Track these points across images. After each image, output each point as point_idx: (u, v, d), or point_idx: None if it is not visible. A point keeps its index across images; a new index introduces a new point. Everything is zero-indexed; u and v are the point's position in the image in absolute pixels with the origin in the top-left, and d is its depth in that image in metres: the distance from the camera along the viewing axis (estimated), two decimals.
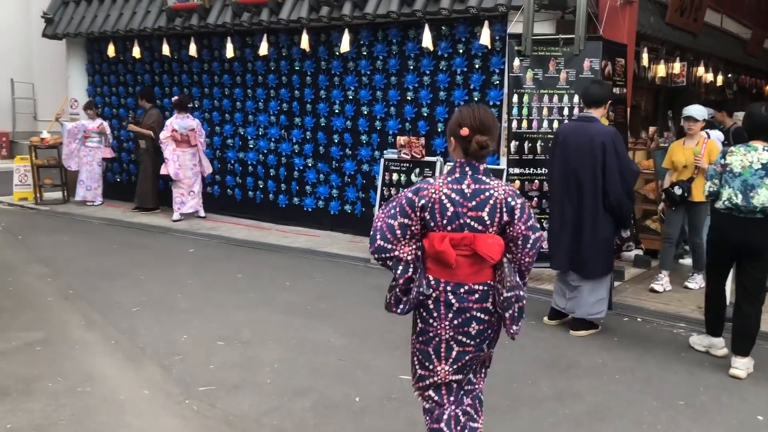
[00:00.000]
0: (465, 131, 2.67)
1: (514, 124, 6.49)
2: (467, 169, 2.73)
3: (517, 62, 6.44)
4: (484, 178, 2.72)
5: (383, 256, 2.72)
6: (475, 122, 2.68)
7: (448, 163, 7.06)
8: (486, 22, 7.36)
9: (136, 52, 10.63)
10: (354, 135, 8.90)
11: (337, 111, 9.01)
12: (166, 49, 10.29)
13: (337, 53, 8.87)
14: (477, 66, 7.82)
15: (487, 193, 2.69)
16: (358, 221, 9.00)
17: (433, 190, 2.68)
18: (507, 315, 2.71)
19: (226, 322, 5.42)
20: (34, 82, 17.33)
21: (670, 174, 6.47)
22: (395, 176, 7.42)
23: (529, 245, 2.72)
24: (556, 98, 6.45)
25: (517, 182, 6.52)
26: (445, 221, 2.67)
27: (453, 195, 2.68)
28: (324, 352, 4.83)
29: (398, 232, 2.69)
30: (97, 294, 6.16)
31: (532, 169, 6.52)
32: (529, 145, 6.50)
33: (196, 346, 4.88)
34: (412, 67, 8.31)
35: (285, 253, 8.02)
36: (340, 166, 9.08)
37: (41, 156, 11.26)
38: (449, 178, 2.72)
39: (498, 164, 7.57)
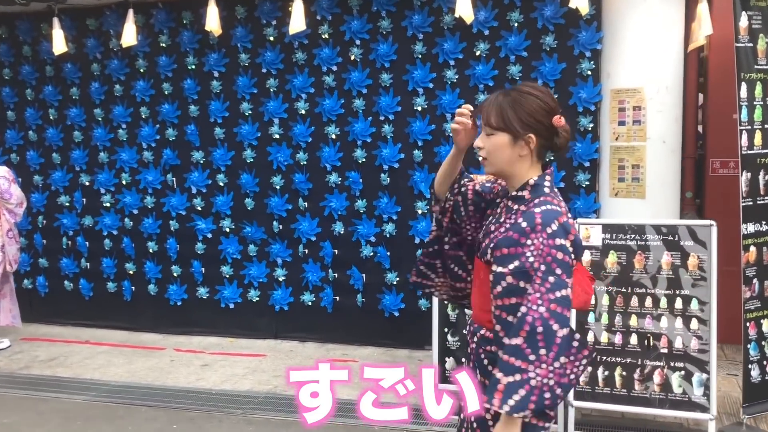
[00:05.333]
0: (560, 120, 1.92)
1: (744, 138, 3.38)
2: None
3: (744, 21, 3.36)
4: None
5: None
6: (556, 103, 1.98)
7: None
8: None
9: None
10: (315, 174, 5.22)
11: (277, 136, 5.27)
12: None
13: (271, 38, 5.19)
14: (547, 48, 4.64)
15: None
16: (328, 319, 5.32)
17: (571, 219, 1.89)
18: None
19: None
20: None
21: None
22: None
23: None
24: None
25: (753, 250, 3.41)
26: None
27: None
28: None
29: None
30: None
31: None
32: (767, 177, 3.44)
33: None
34: (420, 56, 4.90)
35: (233, 415, 4.11)
36: (288, 230, 5.34)
37: None
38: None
39: (597, 207, 4.44)
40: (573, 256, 1.82)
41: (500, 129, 1.91)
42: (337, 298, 5.28)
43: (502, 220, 1.94)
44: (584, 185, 4.63)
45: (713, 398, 3.41)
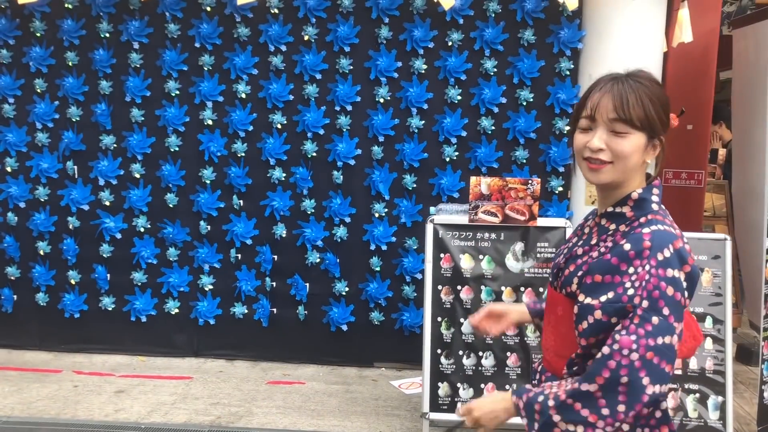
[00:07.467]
0: (675, 120, 1.62)
1: None
2: None
3: None
4: None
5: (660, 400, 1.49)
6: None
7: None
8: None
9: None
10: (255, 168, 4.55)
11: (209, 122, 4.54)
12: None
13: (208, 8, 4.47)
14: (525, 44, 4.32)
15: None
16: (262, 333, 4.67)
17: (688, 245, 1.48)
18: None
19: None
20: None
21: None
22: (465, 261, 3.47)
23: None
24: None
25: None
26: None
27: None
28: None
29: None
30: None
31: None
32: None
33: None
34: (386, 42, 4.40)
35: None
36: (219, 231, 4.62)
37: None
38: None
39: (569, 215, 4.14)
40: (687, 293, 1.45)
41: (641, 127, 1.51)
42: (275, 310, 4.63)
43: (593, 242, 1.58)
44: (557, 191, 4.36)
45: (729, 422, 3.22)
